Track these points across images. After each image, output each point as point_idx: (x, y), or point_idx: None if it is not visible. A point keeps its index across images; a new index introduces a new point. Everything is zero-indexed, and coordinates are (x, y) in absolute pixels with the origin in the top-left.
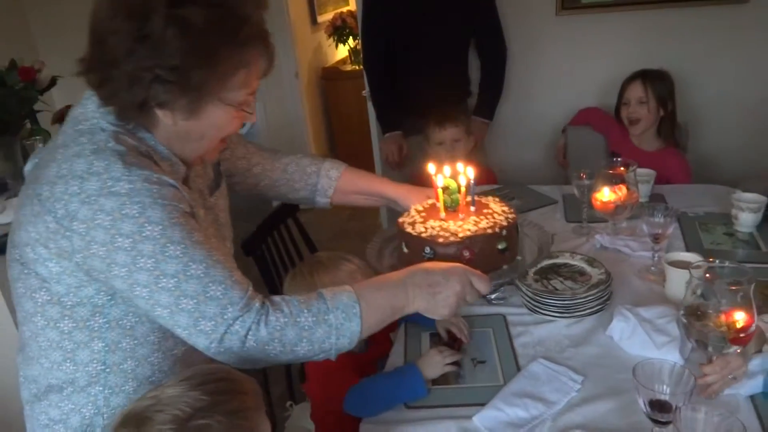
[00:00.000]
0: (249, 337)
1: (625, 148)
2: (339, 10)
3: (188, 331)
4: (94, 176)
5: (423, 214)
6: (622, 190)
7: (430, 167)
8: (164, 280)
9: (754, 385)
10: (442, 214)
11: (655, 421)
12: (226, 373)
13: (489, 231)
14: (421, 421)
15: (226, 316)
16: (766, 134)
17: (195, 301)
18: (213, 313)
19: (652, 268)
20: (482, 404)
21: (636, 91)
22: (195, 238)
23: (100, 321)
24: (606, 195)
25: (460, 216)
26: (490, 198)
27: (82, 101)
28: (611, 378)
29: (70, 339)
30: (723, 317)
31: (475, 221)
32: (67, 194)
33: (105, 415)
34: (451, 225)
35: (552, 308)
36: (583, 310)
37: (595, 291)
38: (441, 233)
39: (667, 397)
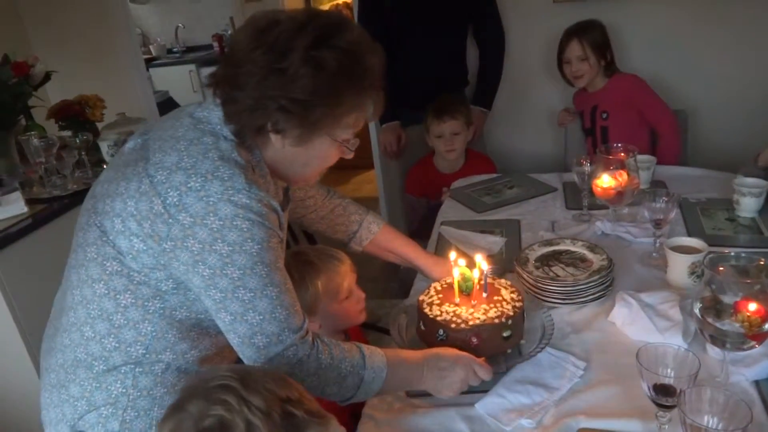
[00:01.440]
0: (297, 365)
1: (584, 98)
2: (335, 2)
3: (241, 340)
4: (217, 180)
5: (440, 295)
6: (622, 176)
7: (451, 255)
8: (242, 291)
9: (760, 370)
10: (457, 299)
11: (660, 405)
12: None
13: (496, 321)
14: (423, 409)
15: (281, 338)
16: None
17: (261, 317)
18: (271, 332)
19: (654, 254)
20: (484, 392)
21: (574, 50)
22: (279, 264)
23: (157, 305)
24: (606, 181)
25: (473, 302)
26: (503, 282)
27: (207, 104)
28: (614, 363)
29: (123, 315)
30: (743, 312)
31: (485, 310)
32: (185, 186)
33: (131, 396)
34: (463, 312)
35: (553, 295)
36: (585, 296)
37: (597, 277)
38: (454, 319)
39: (671, 381)
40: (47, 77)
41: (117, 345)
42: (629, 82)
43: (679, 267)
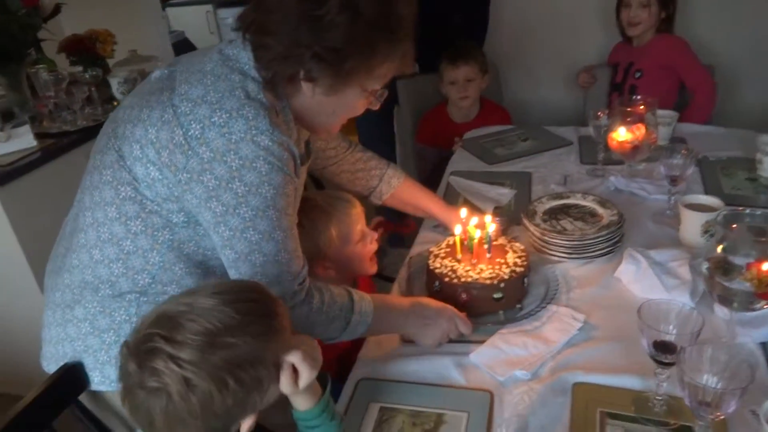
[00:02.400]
0: (293, 309)
1: (624, 52)
2: None
3: (243, 278)
4: (242, 119)
5: (448, 249)
6: (640, 130)
7: (462, 212)
8: (251, 232)
9: (766, 332)
10: (459, 255)
11: (659, 362)
12: (259, 293)
13: (488, 281)
14: (417, 356)
15: (280, 281)
16: None
17: (264, 259)
18: (272, 274)
19: (668, 211)
20: (481, 342)
21: None
22: (290, 211)
23: (167, 236)
24: (622, 135)
25: (473, 261)
26: (516, 247)
27: (237, 43)
28: (616, 320)
29: (133, 241)
30: (752, 270)
31: (481, 269)
32: (209, 120)
33: (134, 325)
34: (460, 268)
35: (560, 249)
36: (593, 251)
37: (606, 232)
38: (449, 273)
39: (672, 338)
40: (57, 9)
41: (125, 271)
42: (674, 44)
43: (692, 225)
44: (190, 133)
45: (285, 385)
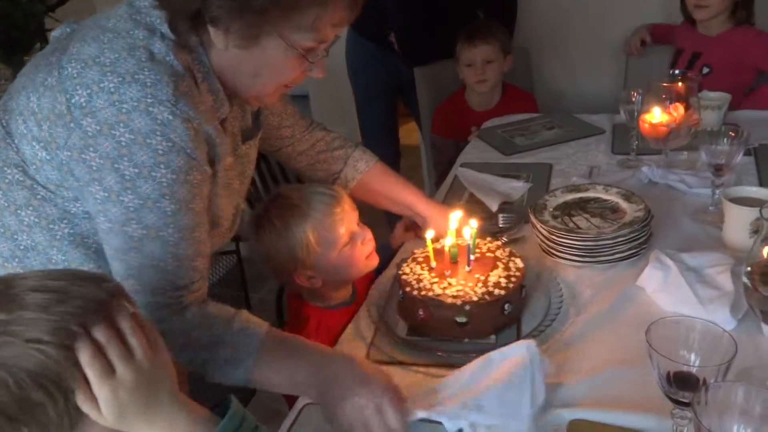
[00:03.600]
0: (160, 323)
1: (690, 39)
2: None
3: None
4: (137, 84)
5: (425, 254)
6: (678, 110)
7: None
8: (133, 226)
9: None
10: (433, 264)
11: (676, 402)
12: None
13: (449, 300)
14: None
15: (155, 293)
16: None
17: (142, 261)
18: (148, 283)
19: (711, 207)
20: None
21: None
22: (194, 205)
23: (66, 230)
24: (657, 116)
25: (446, 273)
26: (513, 264)
27: None
28: (632, 339)
29: (29, 235)
30: None
31: (449, 284)
32: (97, 86)
33: None
34: (427, 278)
35: (570, 251)
36: (609, 254)
37: (627, 231)
38: (413, 282)
39: (694, 370)
40: None
41: (21, 271)
42: (751, 36)
43: (738, 223)
44: (73, 101)
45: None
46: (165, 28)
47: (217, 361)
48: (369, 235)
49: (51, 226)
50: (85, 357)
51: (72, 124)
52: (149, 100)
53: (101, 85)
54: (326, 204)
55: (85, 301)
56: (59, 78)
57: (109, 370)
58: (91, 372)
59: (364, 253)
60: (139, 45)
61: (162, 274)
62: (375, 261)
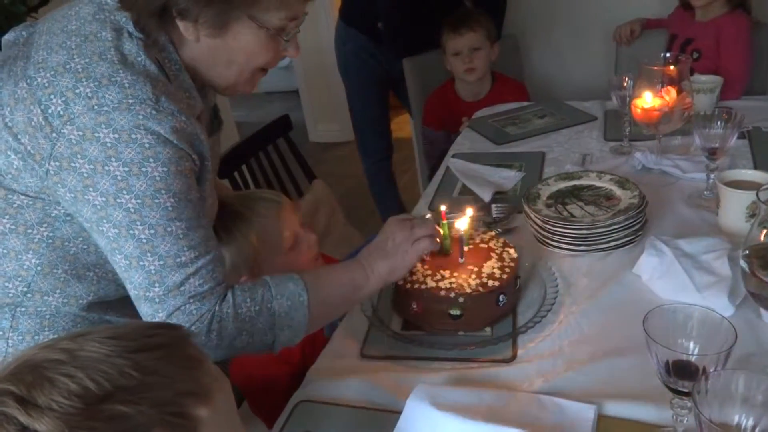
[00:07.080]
0: (197, 322)
1: (681, 24)
2: None
3: (137, 293)
4: (115, 86)
5: None
6: (669, 94)
7: (442, 208)
8: (139, 227)
9: None
10: (427, 255)
11: (675, 391)
12: (177, 338)
13: (443, 292)
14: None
15: (183, 289)
16: None
17: (161, 263)
18: (172, 283)
19: (706, 192)
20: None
21: None
22: (191, 196)
23: (45, 233)
24: (649, 101)
25: (440, 265)
26: (507, 254)
27: None
28: (629, 328)
29: (1, 242)
30: None
31: (443, 276)
32: (73, 92)
33: (10, 341)
34: (420, 271)
35: (564, 239)
36: (605, 242)
37: (622, 218)
38: (405, 275)
39: (693, 358)
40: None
41: None
42: (733, 21)
43: (733, 207)
44: (50, 111)
45: None
46: (131, 27)
47: (276, 318)
48: (313, 237)
49: (29, 231)
50: None
51: (54, 134)
52: (130, 101)
53: (76, 91)
54: (268, 210)
55: None
56: (29, 89)
57: None
58: None
59: (310, 257)
60: (108, 47)
61: (185, 270)
62: (320, 263)
